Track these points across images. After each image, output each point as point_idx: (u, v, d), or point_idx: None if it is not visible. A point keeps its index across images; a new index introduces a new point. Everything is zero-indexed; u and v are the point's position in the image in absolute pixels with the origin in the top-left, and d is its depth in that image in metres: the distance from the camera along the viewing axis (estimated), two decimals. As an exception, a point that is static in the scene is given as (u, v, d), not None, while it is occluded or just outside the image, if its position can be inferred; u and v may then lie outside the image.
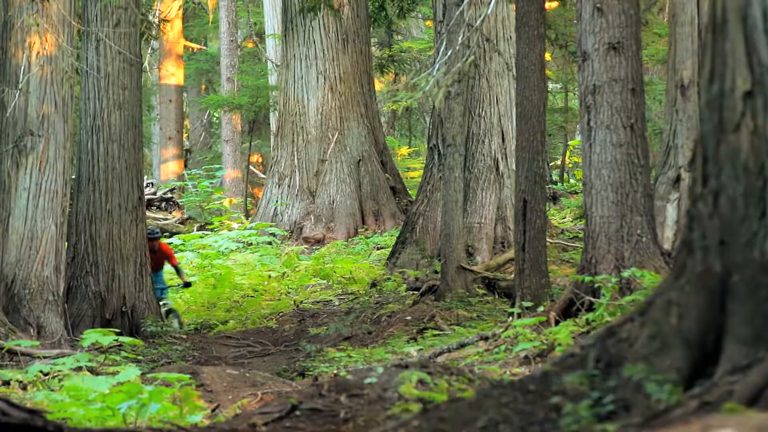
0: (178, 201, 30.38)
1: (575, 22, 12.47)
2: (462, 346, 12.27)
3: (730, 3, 5.07)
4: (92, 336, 11.60)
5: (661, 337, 5.26)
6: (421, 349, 13.27)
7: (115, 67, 16.18)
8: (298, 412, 7.82)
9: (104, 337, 11.35)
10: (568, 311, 11.29)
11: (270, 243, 22.52)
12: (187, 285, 18.25)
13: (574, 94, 24.80)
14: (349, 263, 19.93)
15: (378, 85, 28.95)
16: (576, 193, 22.13)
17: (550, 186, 21.24)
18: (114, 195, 16.25)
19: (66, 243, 14.48)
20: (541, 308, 11.81)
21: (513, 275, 14.29)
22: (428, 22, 31.81)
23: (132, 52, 16.22)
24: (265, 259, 21.22)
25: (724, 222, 5.07)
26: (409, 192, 23.53)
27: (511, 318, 12.17)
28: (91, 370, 10.95)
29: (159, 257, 17.83)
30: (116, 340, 11.90)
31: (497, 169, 18.11)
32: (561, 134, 26.53)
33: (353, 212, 22.55)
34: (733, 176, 5.04)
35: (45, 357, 11.48)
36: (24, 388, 10.29)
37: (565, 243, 18.14)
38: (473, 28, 14.62)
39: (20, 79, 13.43)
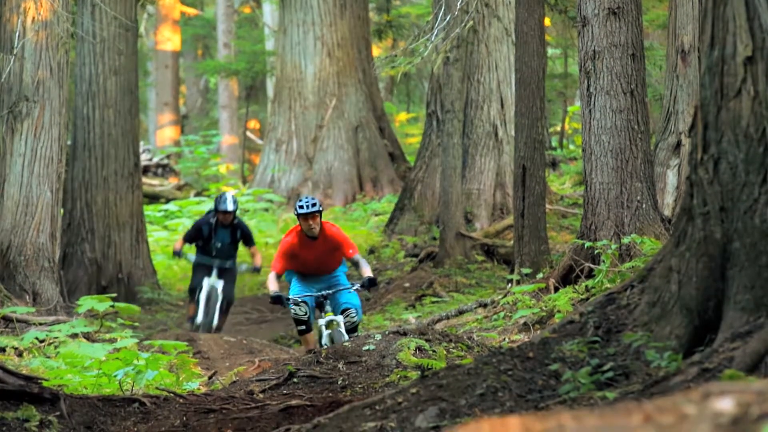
0: (175, 167, 30.31)
1: (575, -14, 12.35)
2: (461, 313, 12.25)
3: (733, -34, 5.00)
4: (88, 302, 11.57)
5: (661, 304, 5.22)
6: (420, 316, 13.25)
7: (111, 33, 16.08)
8: (295, 379, 7.81)
9: (100, 304, 11.33)
10: (567, 278, 11.27)
11: (267, 209, 22.47)
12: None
13: (574, 60, 24.69)
14: (347, 230, 19.90)
15: (376, 51, 28.82)
16: (575, 159, 22.06)
17: (549, 152, 21.17)
18: (110, 161, 16.20)
19: (62, 210, 14.43)
20: (540, 275, 11.79)
21: (512, 242, 14.26)
22: (426, -12, 31.62)
23: (128, 17, 16.10)
24: (262, 225, 21.18)
25: (724, 188, 5.03)
26: (408, 158, 23.47)
27: (510, 285, 12.15)
28: (87, 337, 10.93)
29: (327, 246, 10.60)
30: (112, 306, 11.88)
31: (496, 135, 18.04)
32: (560, 100, 26.43)
33: (351, 179, 22.49)
34: (734, 142, 5.00)
35: (41, 324, 11.45)
36: (20, 355, 10.26)
37: (565, 209, 18.09)
38: (472, -7, 14.50)
39: (15, 45, 13.33)
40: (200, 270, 13.92)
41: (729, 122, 5.01)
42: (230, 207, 13.79)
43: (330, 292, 10.41)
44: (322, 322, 10.24)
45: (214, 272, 13.82)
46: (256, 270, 14.26)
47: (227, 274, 13.98)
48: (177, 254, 13.93)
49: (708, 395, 2.76)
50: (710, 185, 5.07)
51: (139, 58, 19.15)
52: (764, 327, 4.75)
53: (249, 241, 14.05)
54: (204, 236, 13.88)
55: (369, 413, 5.15)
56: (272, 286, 10.32)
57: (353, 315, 10.34)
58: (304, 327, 10.46)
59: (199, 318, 13.61)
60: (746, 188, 4.95)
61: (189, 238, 13.98)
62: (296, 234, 10.49)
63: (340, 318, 10.21)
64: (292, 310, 10.38)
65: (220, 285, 13.76)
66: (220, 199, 13.88)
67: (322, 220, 10.47)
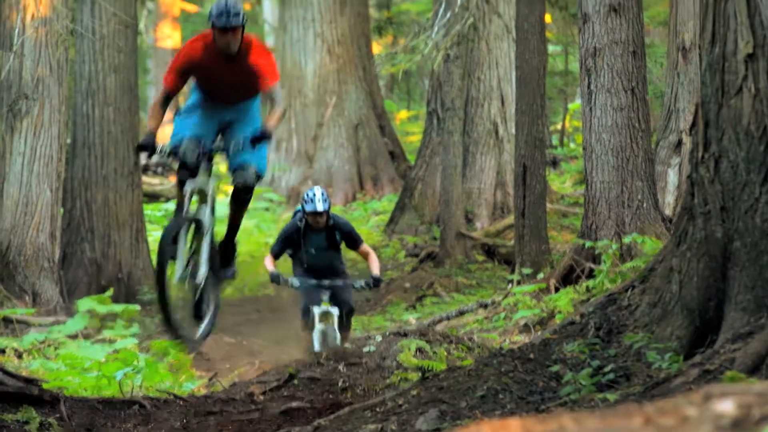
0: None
1: (575, -16, 12.33)
2: (461, 313, 12.23)
3: (734, -36, 4.98)
4: (87, 303, 11.55)
5: (662, 304, 5.20)
6: (420, 317, 13.23)
7: (111, 30, 16.03)
8: (296, 381, 7.78)
9: (100, 305, 11.32)
10: (568, 278, 11.24)
11: (267, 209, 22.43)
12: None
13: (575, 57, 24.65)
14: (348, 228, 19.84)
15: (376, 48, 28.78)
16: (576, 157, 22.01)
17: (549, 150, 21.13)
18: (110, 160, 16.15)
19: (61, 209, 14.40)
20: (541, 275, 11.76)
21: (513, 241, 14.23)
22: (427, -15, 31.58)
23: (127, 14, 16.06)
24: (262, 225, 21.14)
25: (725, 187, 5.00)
26: (408, 157, 23.42)
27: (510, 285, 12.13)
28: (87, 338, 10.90)
29: (244, 72, 7.98)
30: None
31: (497, 133, 18.00)
32: (561, 98, 26.38)
33: (351, 177, 22.44)
34: (735, 140, 4.97)
35: (40, 324, 11.43)
36: (20, 357, 10.25)
37: (565, 208, 18.05)
38: (472, -9, 14.48)
39: (15, 42, 13.31)
40: (309, 291, 10.32)
41: (730, 120, 4.99)
42: (321, 207, 10.12)
43: (228, 125, 7.80)
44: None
45: (325, 295, 10.11)
46: (377, 282, 10.26)
47: (341, 293, 10.21)
48: (275, 280, 10.12)
49: (709, 397, 2.74)
50: (711, 184, 5.05)
51: (138, 56, 19.09)
52: (765, 328, 4.73)
53: (354, 243, 10.34)
54: (294, 243, 10.47)
55: (369, 415, 5.13)
56: (152, 120, 7.76)
57: (246, 175, 7.86)
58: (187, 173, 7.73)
59: (317, 348, 9.78)
60: (747, 187, 4.92)
61: (276, 251, 10.55)
62: (203, 45, 7.78)
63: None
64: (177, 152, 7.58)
65: (335, 311, 10.03)
66: (306, 197, 10.34)
67: (249, 36, 7.82)
